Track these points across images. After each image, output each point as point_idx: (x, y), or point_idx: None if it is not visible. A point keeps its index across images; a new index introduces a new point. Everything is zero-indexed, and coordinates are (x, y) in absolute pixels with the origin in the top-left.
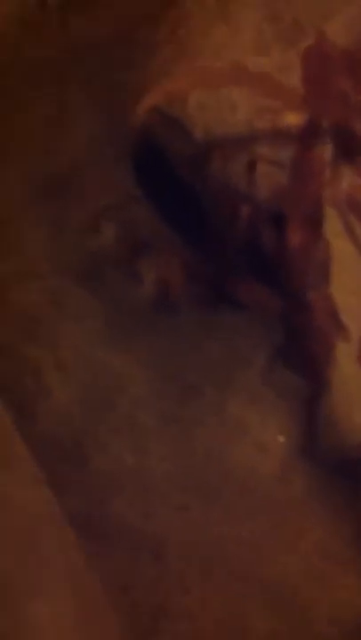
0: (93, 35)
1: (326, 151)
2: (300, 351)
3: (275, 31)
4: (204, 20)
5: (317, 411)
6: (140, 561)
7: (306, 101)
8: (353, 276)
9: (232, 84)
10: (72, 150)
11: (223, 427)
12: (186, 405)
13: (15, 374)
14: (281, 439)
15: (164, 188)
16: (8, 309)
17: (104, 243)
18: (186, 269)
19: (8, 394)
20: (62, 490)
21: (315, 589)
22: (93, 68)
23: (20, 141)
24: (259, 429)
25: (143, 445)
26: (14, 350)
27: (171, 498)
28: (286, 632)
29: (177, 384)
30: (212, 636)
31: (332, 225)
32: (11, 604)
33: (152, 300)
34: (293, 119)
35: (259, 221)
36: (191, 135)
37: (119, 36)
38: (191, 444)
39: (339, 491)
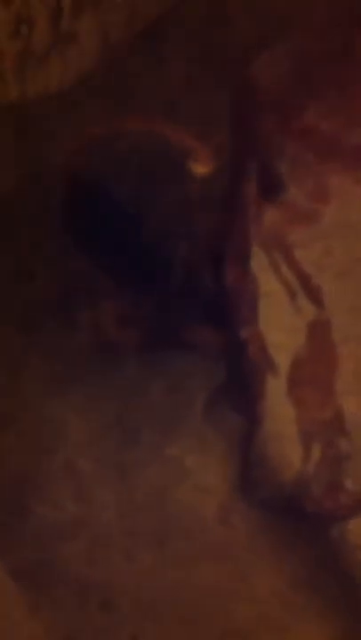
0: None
1: (251, 188)
2: (238, 387)
3: (205, 71)
4: (136, 65)
5: (251, 448)
6: (86, 610)
7: (231, 142)
8: (280, 313)
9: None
10: (2, 193)
11: (163, 471)
12: (125, 450)
13: None
14: (219, 478)
15: (96, 232)
16: None
17: (38, 290)
18: (121, 314)
19: None
20: (3, 541)
21: (269, 636)
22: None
23: None
24: (199, 472)
25: (84, 493)
26: None
27: (116, 545)
28: None
29: (116, 428)
30: None
31: (259, 261)
32: None
33: (88, 345)
34: (201, 169)
35: (197, 260)
36: (126, 172)
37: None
38: (132, 490)
39: (280, 531)
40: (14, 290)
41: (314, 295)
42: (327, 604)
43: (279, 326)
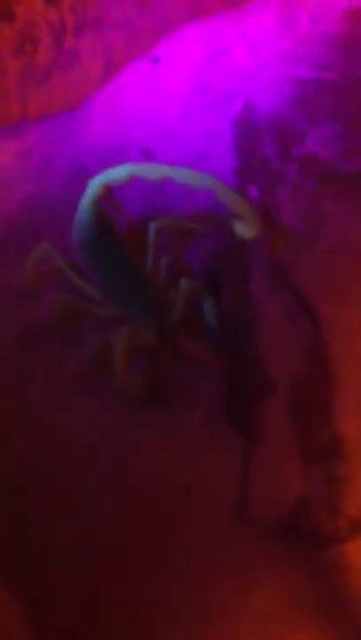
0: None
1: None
2: (237, 407)
3: (204, 98)
4: (138, 89)
5: (250, 467)
6: (77, 623)
7: (232, 166)
8: (280, 336)
9: None
10: (7, 215)
11: (162, 484)
12: (125, 462)
13: None
14: (217, 497)
15: (104, 255)
16: None
17: (42, 308)
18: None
19: None
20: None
21: None
22: None
23: None
24: (198, 488)
25: (84, 506)
26: None
27: (112, 558)
28: None
29: (117, 441)
30: None
31: (258, 284)
32: None
33: (91, 361)
34: (248, 233)
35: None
36: (129, 206)
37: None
38: (131, 502)
39: (276, 549)
40: (19, 303)
41: (314, 319)
42: (324, 621)
43: (279, 349)
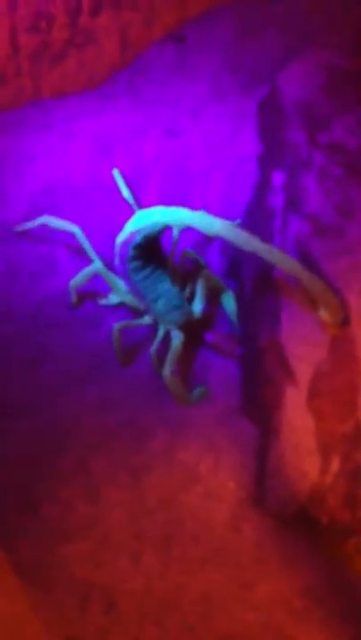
0: None
1: (277, 199)
2: (254, 396)
3: (231, 81)
4: (163, 70)
5: (268, 458)
6: (89, 611)
7: (258, 151)
8: (303, 326)
9: None
10: (28, 193)
11: (175, 474)
12: (137, 452)
13: None
14: (231, 486)
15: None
16: None
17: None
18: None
19: None
20: (10, 536)
21: None
22: None
23: None
24: (211, 478)
25: (95, 492)
26: None
27: (124, 546)
28: None
29: (130, 430)
30: None
31: (283, 272)
32: None
33: (107, 345)
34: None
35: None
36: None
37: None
38: (142, 492)
39: (289, 540)
40: (33, 285)
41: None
42: (333, 612)
43: (302, 338)
